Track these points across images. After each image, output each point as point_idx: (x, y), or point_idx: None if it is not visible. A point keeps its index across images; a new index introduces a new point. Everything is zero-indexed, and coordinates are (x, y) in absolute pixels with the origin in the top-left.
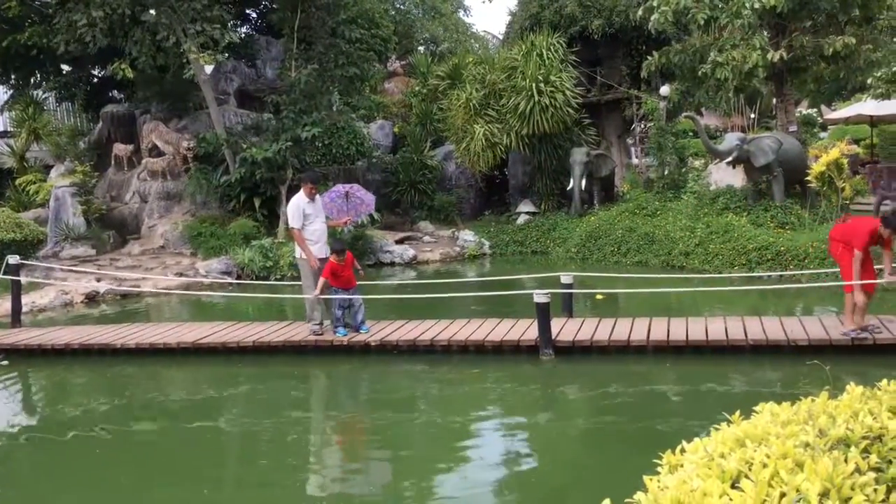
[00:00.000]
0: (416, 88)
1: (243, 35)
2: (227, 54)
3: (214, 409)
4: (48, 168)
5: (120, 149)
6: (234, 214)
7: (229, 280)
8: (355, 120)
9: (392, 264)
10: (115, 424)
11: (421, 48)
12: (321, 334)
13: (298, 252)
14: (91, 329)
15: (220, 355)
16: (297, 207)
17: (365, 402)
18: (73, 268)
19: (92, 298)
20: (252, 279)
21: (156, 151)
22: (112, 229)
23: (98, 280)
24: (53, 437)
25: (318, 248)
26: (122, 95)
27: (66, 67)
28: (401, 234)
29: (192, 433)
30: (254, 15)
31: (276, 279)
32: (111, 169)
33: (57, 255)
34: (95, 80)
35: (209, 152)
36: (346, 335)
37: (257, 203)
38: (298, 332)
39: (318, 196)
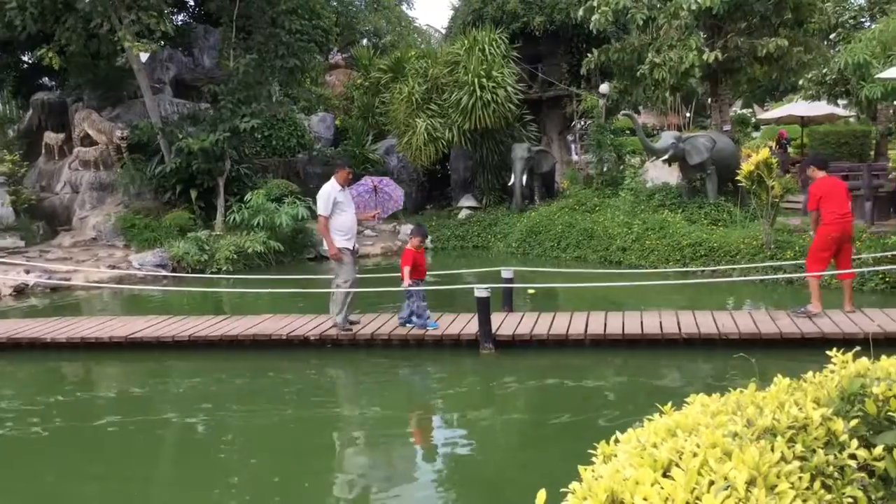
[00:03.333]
0: (359, 81)
1: (180, 23)
2: (162, 43)
3: (147, 405)
4: None
5: (51, 137)
6: (170, 206)
7: (164, 273)
8: (296, 112)
9: None
10: (44, 421)
11: (363, 41)
12: (351, 329)
13: (327, 245)
14: (19, 323)
15: (155, 350)
16: (329, 195)
17: (302, 397)
18: (1, 259)
19: (21, 291)
20: (188, 272)
21: (88, 140)
22: (42, 220)
23: (27, 272)
24: None
25: (348, 239)
26: (54, 83)
27: None
28: None
29: (125, 429)
30: (191, 2)
31: (212, 272)
32: (41, 158)
33: None
34: (25, 66)
35: (143, 142)
36: (436, 327)
37: (194, 195)
38: (235, 326)
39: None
